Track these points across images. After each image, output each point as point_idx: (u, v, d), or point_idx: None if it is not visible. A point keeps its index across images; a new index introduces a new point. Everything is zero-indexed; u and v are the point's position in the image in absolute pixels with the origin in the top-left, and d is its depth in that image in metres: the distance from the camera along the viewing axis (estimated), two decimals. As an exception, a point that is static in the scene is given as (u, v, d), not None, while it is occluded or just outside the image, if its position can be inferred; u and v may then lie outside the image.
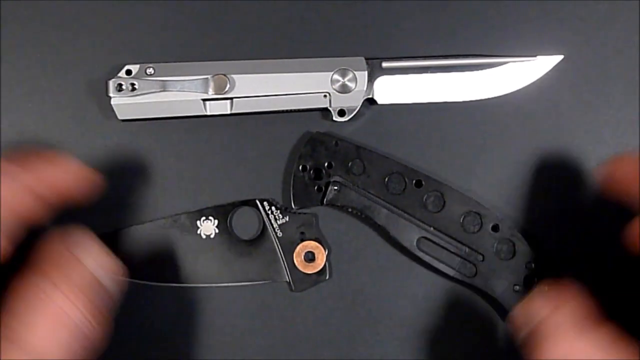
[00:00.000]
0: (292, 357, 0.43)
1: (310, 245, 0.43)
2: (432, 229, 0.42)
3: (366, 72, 0.43)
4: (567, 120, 0.44)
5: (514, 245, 0.42)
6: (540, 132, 0.44)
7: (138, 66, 0.42)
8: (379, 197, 0.42)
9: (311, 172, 0.42)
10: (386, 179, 0.42)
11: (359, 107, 0.43)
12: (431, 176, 0.42)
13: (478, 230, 0.42)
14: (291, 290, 0.43)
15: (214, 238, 0.43)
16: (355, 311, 0.43)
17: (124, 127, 0.43)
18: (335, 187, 0.42)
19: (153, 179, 0.43)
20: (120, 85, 0.42)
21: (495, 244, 0.42)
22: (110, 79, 0.42)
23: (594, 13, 0.45)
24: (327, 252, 0.43)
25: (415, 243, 0.42)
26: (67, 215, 0.41)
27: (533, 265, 0.42)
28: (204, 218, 0.43)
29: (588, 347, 0.33)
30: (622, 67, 0.44)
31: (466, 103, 0.44)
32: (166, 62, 0.43)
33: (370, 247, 0.43)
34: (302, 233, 0.43)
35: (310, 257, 0.43)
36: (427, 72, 0.44)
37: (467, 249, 0.42)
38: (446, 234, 0.42)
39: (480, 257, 0.42)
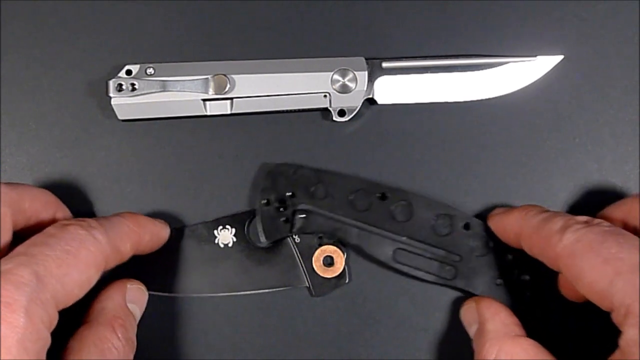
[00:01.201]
0: (297, 358, 0.43)
1: (329, 249, 0.42)
2: (405, 238, 0.42)
3: (366, 72, 0.43)
4: (567, 120, 0.44)
5: (487, 240, 0.42)
6: (540, 132, 0.44)
7: (138, 66, 0.42)
8: (347, 217, 0.42)
9: (276, 204, 0.42)
10: (351, 198, 0.42)
11: (359, 107, 0.43)
12: (394, 186, 0.42)
13: (450, 232, 0.42)
14: (311, 295, 0.43)
15: (232, 247, 0.43)
16: (357, 312, 0.43)
17: (124, 127, 0.43)
18: (302, 215, 0.41)
19: (153, 179, 0.43)
20: (120, 85, 0.42)
21: (470, 242, 0.42)
22: (110, 79, 0.42)
23: (594, 13, 0.45)
24: (345, 256, 0.43)
25: (391, 256, 0.41)
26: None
27: (510, 256, 0.41)
28: (221, 227, 0.43)
29: (521, 350, 0.37)
30: (622, 67, 0.44)
31: (466, 103, 0.44)
32: (166, 62, 0.43)
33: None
34: (320, 237, 0.42)
35: (329, 262, 0.43)
36: (427, 72, 0.44)
37: (443, 252, 0.42)
38: (420, 241, 0.42)
39: (457, 258, 0.42)
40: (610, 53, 0.44)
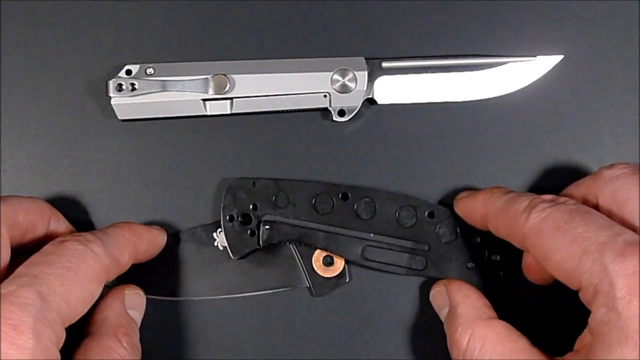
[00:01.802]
0: (297, 358, 0.43)
1: None
2: (371, 235, 0.42)
3: (366, 72, 0.43)
4: (567, 120, 0.44)
5: (454, 226, 0.42)
6: (540, 132, 0.44)
7: (138, 66, 0.42)
8: (312, 222, 0.42)
9: (239, 218, 0.42)
10: (313, 202, 0.42)
11: (359, 107, 0.43)
12: (355, 185, 0.42)
13: (415, 223, 0.42)
14: (311, 295, 0.43)
15: None
16: (357, 312, 0.43)
17: (124, 127, 0.43)
18: (267, 227, 0.41)
19: (153, 179, 0.43)
20: (120, 85, 0.42)
21: (436, 230, 0.42)
22: (110, 79, 0.42)
23: (594, 13, 0.45)
24: None
25: (360, 254, 0.42)
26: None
27: (478, 239, 0.42)
28: (220, 230, 0.43)
29: (493, 333, 0.36)
30: (622, 67, 0.44)
31: (466, 103, 0.44)
32: (166, 62, 0.43)
33: (370, 247, 0.44)
34: None
35: (329, 261, 0.43)
36: (427, 72, 0.44)
37: (411, 243, 0.42)
38: (387, 235, 0.42)
39: (426, 247, 0.42)
40: (610, 53, 0.44)
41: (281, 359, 0.43)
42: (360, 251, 0.42)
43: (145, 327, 0.40)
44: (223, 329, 0.43)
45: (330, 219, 0.42)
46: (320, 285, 0.43)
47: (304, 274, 0.43)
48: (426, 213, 0.42)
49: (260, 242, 0.42)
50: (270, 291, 0.43)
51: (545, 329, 0.41)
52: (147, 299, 0.41)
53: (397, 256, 0.42)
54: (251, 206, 0.42)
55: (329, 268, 0.42)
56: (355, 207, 0.42)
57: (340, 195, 0.42)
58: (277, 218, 0.42)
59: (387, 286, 0.43)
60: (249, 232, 0.42)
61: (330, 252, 0.42)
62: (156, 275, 0.42)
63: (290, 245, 0.43)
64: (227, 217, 0.42)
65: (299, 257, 0.43)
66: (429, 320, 0.43)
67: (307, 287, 0.43)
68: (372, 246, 0.42)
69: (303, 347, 0.43)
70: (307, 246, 0.42)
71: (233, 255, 0.42)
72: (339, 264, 0.42)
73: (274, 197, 0.42)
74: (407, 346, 0.43)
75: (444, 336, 0.43)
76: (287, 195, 0.42)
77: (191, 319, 0.43)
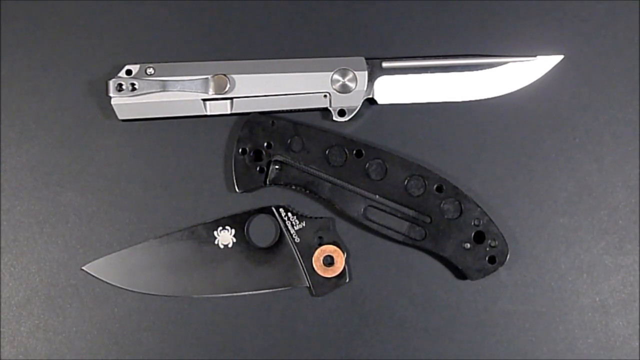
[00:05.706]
0: (297, 358, 0.43)
1: (329, 249, 0.42)
2: (377, 196, 0.42)
3: (366, 72, 0.43)
4: (567, 120, 0.44)
5: (459, 203, 0.42)
6: (540, 132, 0.44)
7: (138, 66, 0.42)
8: (321, 171, 0.42)
9: (251, 153, 0.42)
10: (326, 152, 0.42)
11: (359, 107, 0.43)
12: (371, 144, 0.43)
13: (422, 193, 0.42)
14: (312, 295, 0.43)
15: (231, 247, 0.43)
16: (357, 312, 0.43)
17: (124, 127, 0.43)
18: (277, 167, 0.42)
19: (153, 179, 0.43)
20: (120, 85, 0.42)
21: (441, 205, 0.42)
22: (110, 79, 0.42)
23: (594, 13, 0.45)
24: (345, 255, 0.43)
25: (362, 213, 0.42)
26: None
27: (481, 221, 0.42)
28: (220, 228, 0.43)
29: None
30: (622, 67, 0.44)
31: (466, 103, 0.44)
32: (166, 62, 0.43)
33: (369, 247, 0.43)
34: (320, 237, 0.43)
35: (329, 261, 0.43)
36: (427, 72, 0.44)
37: (414, 213, 0.42)
38: (392, 200, 0.42)
39: (428, 219, 0.42)
40: (610, 53, 0.44)
41: (281, 359, 0.43)
42: (362, 209, 0.42)
43: (145, 326, 0.40)
44: (223, 328, 0.43)
45: (340, 173, 0.42)
46: (320, 285, 0.43)
47: (304, 274, 0.43)
48: (435, 186, 0.42)
49: (268, 180, 0.42)
50: (270, 291, 0.43)
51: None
52: (147, 296, 0.41)
53: (398, 222, 0.42)
54: (265, 144, 0.42)
55: (329, 268, 0.43)
56: (366, 166, 0.42)
57: (354, 152, 0.42)
58: (289, 160, 0.42)
59: (387, 286, 0.43)
60: (258, 168, 0.42)
61: (333, 204, 0.42)
62: (156, 273, 0.42)
63: (291, 245, 0.43)
64: (240, 150, 0.42)
65: (299, 257, 0.43)
66: (429, 320, 0.43)
67: (307, 287, 0.43)
68: (375, 207, 0.42)
69: (303, 347, 0.43)
70: (312, 194, 0.42)
71: (238, 188, 0.42)
72: (339, 264, 0.43)
73: (289, 140, 0.42)
74: (407, 346, 0.43)
75: (444, 336, 0.43)
76: (303, 141, 0.42)
77: (191, 317, 0.43)
